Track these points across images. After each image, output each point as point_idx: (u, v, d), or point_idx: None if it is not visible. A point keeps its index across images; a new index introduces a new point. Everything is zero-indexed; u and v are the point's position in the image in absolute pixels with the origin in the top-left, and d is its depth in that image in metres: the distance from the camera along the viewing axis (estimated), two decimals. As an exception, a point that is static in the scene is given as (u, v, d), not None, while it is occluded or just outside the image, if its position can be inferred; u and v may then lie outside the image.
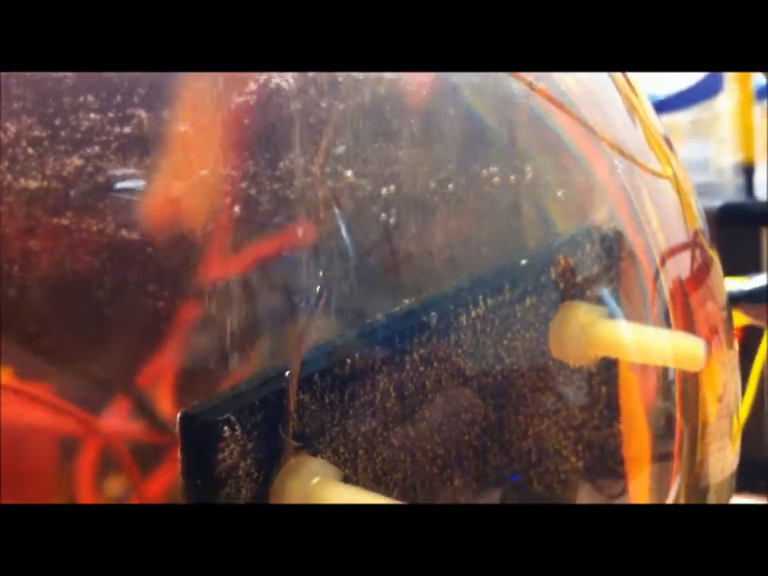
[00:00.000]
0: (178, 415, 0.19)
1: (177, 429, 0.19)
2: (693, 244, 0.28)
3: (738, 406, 0.29)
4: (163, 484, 0.20)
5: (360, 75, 0.22)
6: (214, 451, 0.19)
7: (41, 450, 0.20)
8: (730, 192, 0.88)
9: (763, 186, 0.86)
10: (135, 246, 0.20)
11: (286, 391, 0.20)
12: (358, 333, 0.22)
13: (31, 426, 0.19)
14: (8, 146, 0.19)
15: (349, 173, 0.21)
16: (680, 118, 0.93)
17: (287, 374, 0.20)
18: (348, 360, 0.21)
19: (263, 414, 0.20)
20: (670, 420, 0.27)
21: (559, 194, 0.25)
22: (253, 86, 0.21)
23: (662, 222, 0.27)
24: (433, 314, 0.23)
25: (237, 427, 0.19)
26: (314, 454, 0.21)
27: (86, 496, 0.19)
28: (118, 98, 0.20)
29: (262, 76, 0.21)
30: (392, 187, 0.22)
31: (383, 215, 0.22)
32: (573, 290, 0.26)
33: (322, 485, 0.20)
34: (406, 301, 0.23)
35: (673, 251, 0.27)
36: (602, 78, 0.28)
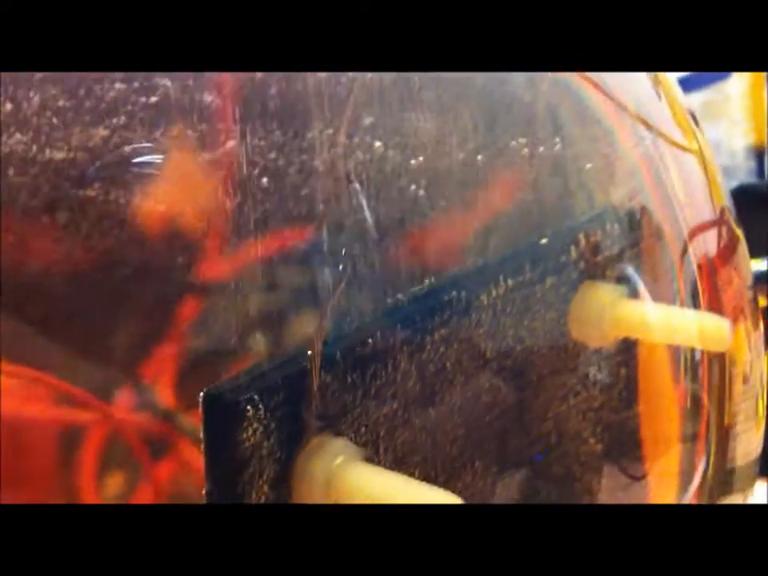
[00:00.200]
0: (201, 394, 0.19)
1: (199, 408, 0.19)
2: (720, 221, 0.27)
3: (763, 387, 0.28)
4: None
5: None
6: (237, 431, 0.19)
7: (47, 439, 0.19)
8: (741, 175, 0.88)
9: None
10: (159, 223, 0.19)
11: (309, 371, 0.20)
12: (380, 312, 0.22)
13: (38, 414, 0.19)
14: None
15: (377, 143, 0.21)
16: (691, 101, 0.92)
17: (309, 353, 0.20)
18: (370, 340, 0.21)
19: (286, 393, 0.20)
20: (696, 401, 0.27)
21: (588, 165, 0.25)
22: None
23: (689, 199, 0.26)
24: (454, 293, 0.23)
25: (260, 406, 0.19)
26: (337, 434, 0.21)
27: (90, 485, 0.19)
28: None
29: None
30: (420, 158, 0.21)
31: (413, 187, 0.21)
32: (595, 269, 0.25)
33: (345, 465, 0.20)
34: (426, 281, 0.22)
35: (700, 228, 0.26)
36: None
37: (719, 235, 0.27)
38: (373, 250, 0.22)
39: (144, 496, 0.20)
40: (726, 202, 0.28)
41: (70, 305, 0.19)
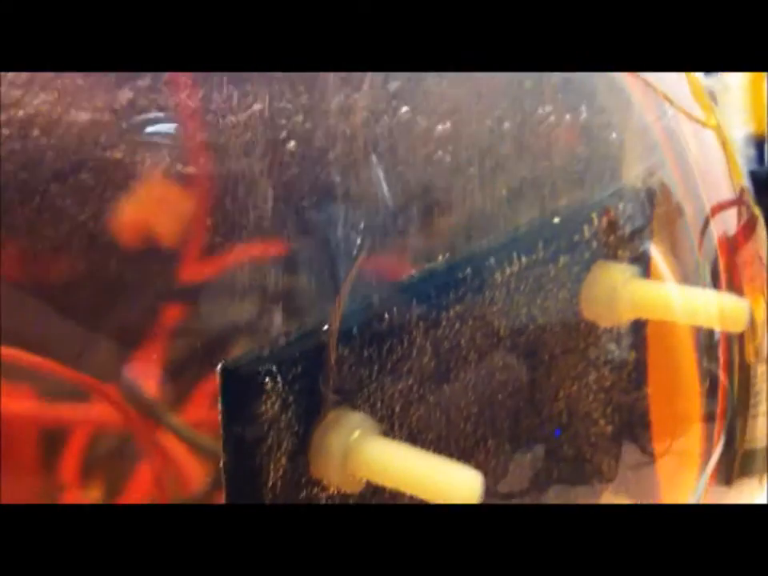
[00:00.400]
0: (219, 366, 0.19)
1: (217, 380, 0.19)
2: (739, 201, 0.27)
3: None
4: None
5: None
6: (255, 403, 0.19)
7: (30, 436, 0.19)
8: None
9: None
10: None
11: (326, 345, 0.20)
12: (395, 288, 0.22)
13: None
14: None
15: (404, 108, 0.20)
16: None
17: (326, 327, 0.20)
18: (386, 315, 0.21)
19: (304, 366, 0.19)
20: (714, 381, 0.26)
21: (613, 135, 0.24)
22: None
23: (709, 177, 0.26)
24: (468, 270, 0.22)
25: (278, 379, 0.19)
26: (354, 408, 0.20)
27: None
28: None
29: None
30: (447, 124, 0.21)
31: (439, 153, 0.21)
32: (610, 249, 0.25)
33: (362, 438, 0.20)
34: (440, 257, 0.22)
35: (720, 207, 0.26)
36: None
37: (739, 214, 0.27)
38: (390, 223, 0.21)
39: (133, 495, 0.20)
40: (745, 181, 0.28)
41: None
